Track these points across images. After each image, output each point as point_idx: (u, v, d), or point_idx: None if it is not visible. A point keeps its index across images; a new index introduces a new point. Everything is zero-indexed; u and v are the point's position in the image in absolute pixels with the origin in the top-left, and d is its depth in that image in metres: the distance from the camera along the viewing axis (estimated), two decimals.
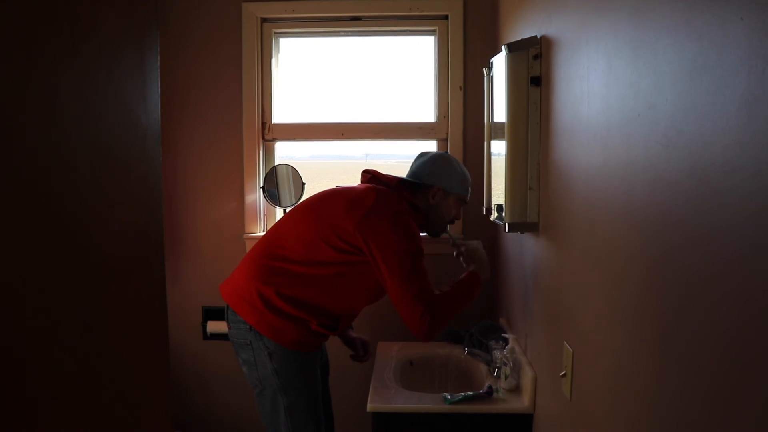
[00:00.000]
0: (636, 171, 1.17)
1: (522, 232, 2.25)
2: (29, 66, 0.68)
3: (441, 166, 2.49)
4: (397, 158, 3.83)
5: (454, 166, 2.51)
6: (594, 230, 1.47)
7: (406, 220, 2.26)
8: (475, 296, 2.33)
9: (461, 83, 3.22)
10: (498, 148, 2.38)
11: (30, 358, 0.68)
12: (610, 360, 1.35)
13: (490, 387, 2.27)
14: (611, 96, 1.33)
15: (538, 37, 2.02)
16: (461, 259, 2.46)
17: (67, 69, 0.75)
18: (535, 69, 2.03)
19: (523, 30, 2.34)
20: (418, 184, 2.46)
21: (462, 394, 2.24)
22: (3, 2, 0.64)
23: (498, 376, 2.34)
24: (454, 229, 2.89)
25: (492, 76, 2.49)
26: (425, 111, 3.42)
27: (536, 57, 2.03)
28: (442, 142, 3.31)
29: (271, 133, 3.36)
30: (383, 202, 2.27)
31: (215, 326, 3.30)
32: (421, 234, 2.40)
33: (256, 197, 3.34)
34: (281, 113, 3.43)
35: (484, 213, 2.67)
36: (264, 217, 3.41)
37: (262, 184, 3.28)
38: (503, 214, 2.20)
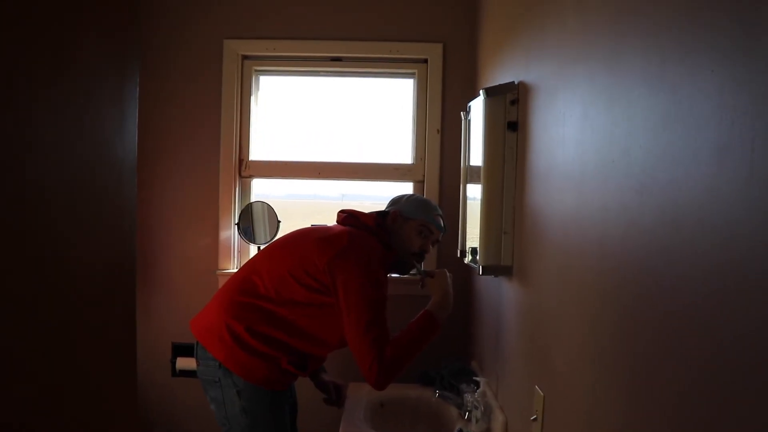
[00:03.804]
0: (610, 216, 1.19)
1: (496, 275, 2.25)
2: (4, 92, 0.68)
3: (400, 195, 2.64)
4: (372, 200, 3.83)
5: (412, 194, 2.65)
6: (567, 274, 1.48)
7: (377, 268, 2.26)
8: (431, 339, 2.25)
9: (439, 126, 3.26)
10: (474, 192, 2.39)
11: None
12: (582, 405, 1.34)
13: (460, 430, 2.25)
14: (586, 142, 1.35)
15: (516, 82, 2.06)
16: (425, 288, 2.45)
17: (43, 97, 0.75)
18: (512, 114, 2.06)
19: (501, 75, 2.38)
20: (385, 215, 2.52)
21: None
22: None
23: (469, 420, 2.32)
24: (425, 266, 2.89)
25: (469, 120, 2.52)
26: (402, 152, 3.45)
27: (513, 102, 2.05)
28: (419, 184, 3.33)
29: (248, 169, 3.36)
30: (356, 246, 2.27)
31: (185, 363, 3.25)
32: (390, 275, 2.41)
33: (231, 233, 3.32)
34: (259, 150, 3.44)
35: (459, 255, 2.68)
36: (238, 254, 3.39)
37: (237, 221, 3.27)
38: (477, 257, 2.20)
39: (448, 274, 2.42)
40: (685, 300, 0.86)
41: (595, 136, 1.29)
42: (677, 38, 0.91)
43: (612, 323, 1.17)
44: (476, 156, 2.28)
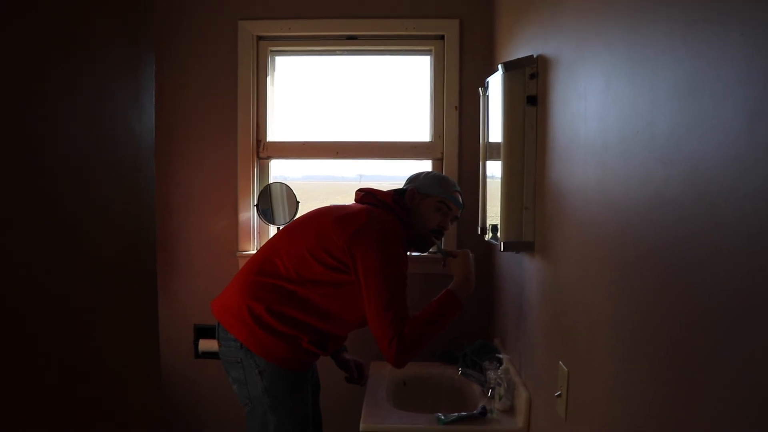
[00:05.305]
0: (634, 188, 1.17)
1: (517, 252, 2.23)
2: (24, 70, 0.67)
3: (416, 172, 2.62)
4: (390, 179, 3.82)
5: (429, 171, 2.63)
6: (590, 249, 1.46)
7: (395, 245, 2.25)
8: (451, 318, 2.25)
9: (457, 103, 3.23)
10: (493, 168, 2.37)
11: (13, 371, 0.66)
12: (606, 380, 1.33)
13: (484, 407, 2.25)
14: (609, 114, 1.32)
15: (535, 56, 2.03)
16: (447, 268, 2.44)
17: (60, 74, 0.74)
18: (531, 88, 2.03)
19: (519, 49, 2.35)
20: (403, 193, 2.51)
21: (456, 414, 2.22)
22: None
23: (492, 397, 2.32)
24: (445, 245, 2.88)
25: (488, 96, 2.49)
26: (420, 130, 3.42)
27: (533, 76, 2.02)
28: (437, 161, 3.31)
29: (265, 150, 3.36)
30: (375, 223, 2.27)
31: (207, 344, 3.27)
32: (410, 253, 2.40)
33: (250, 215, 3.33)
34: (276, 131, 3.43)
35: (479, 233, 2.66)
36: (258, 235, 3.39)
37: (256, 202, 3.27)
38: (498, 234, 2.18)
39: (470, 254, 2.40)
40: (713, 273, 0.84)
41: (618, 108, 1.26)
42: (702, 0, 0.89)
43: (636, 297, 1.15)
44: (495, 132, 2.26)
